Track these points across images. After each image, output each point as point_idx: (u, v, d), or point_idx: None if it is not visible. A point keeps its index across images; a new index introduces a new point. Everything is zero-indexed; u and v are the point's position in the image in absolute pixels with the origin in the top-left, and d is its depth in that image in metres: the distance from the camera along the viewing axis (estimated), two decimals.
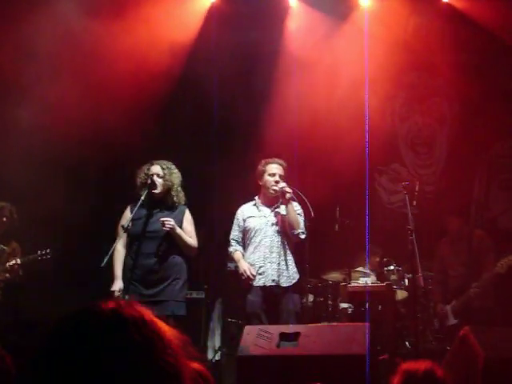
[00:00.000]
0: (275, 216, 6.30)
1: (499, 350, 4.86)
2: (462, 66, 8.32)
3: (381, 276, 7.60)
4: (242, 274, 6.15)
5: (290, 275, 6.20)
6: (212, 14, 8.32)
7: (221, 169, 8.16)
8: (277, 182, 6.23)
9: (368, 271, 7.75)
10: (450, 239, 7.12)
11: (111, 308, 1.28)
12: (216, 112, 8.06)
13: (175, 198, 5.98)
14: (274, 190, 6.24)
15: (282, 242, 6.23)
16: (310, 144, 8.07)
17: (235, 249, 6.40)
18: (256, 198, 6.47)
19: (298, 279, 6.32)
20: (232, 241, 6.44)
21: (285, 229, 6.22)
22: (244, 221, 6.39)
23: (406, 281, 7.24)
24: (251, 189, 6.62)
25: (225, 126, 8.41)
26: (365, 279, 7.48)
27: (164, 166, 6.00)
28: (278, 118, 8.03)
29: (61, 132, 7.19)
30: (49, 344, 1.24)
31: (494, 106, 8.25)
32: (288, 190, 6.13)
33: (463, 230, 7.01)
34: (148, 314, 1.29)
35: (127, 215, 5.98)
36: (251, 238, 6.31)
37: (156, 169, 5.99)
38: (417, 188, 7.05)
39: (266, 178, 6.31)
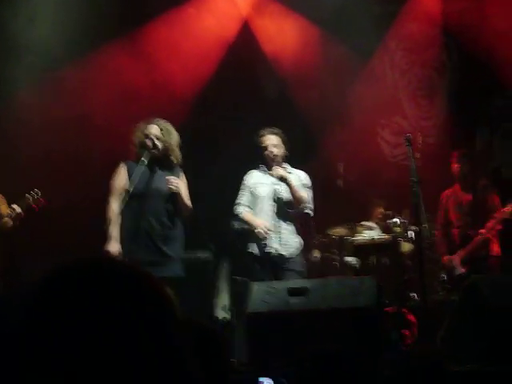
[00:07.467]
0: (277, 185, 6.17)
1: (507, 298, 4.89)
2: (458, 14, 8.18)
3: (385, 229, 7.59)
4: (259, 233, 6.02)
5: (291, 245, 6.10)
6: None
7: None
8: (275, 156, 6.14)
9: (372, 224, 7.75)
10: (453, 190, 7.10)
11: (121, 262, 1.06)
12: None
13: (172, 158, 5.80)
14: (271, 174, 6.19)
15: (284, 212, 6.13)
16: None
17: (244, 209, 6.28)
18: (263, 166, 6.34)
19: (302, 249, 6.23)
20: (239, 205, 6.31)
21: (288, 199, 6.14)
22: (253, 186, 6.30)
23: (411, 233, 7.22)
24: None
25: None
26: (369, 232, 7.49)
27: (162, 127, 5.78)
28: None
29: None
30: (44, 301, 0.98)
31: (498, 55, 8.10)
32: (281, 173, 6.08)
33: (468, 176, 6.98)
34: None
35: (123, 174, 5.77)
36: (256, 205, 6.24)
37: (153, 129, 5.76)
38: (420, 140, 7.00)
39: (265, 152, 6.19)
